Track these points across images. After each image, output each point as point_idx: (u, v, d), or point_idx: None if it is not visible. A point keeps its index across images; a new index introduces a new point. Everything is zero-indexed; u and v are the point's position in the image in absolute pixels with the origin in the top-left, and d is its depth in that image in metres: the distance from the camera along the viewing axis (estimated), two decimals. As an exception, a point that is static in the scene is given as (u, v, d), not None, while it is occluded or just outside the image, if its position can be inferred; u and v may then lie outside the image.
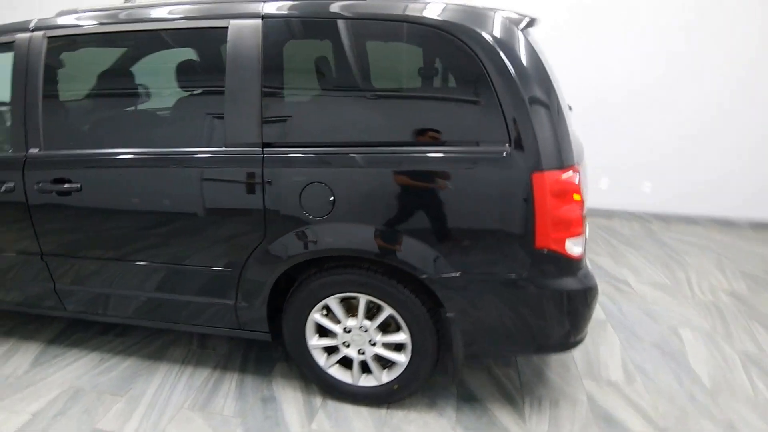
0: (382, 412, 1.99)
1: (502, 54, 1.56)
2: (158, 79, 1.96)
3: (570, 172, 1.60)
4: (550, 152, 1.57)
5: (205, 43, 1.81)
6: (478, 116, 1.60)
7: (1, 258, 2.11)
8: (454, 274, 1.71)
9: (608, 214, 4.58)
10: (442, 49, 1.62)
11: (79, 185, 1.89)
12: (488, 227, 1.65)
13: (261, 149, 1.73)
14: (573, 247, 1.66)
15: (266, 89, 1.71)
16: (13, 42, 1.91)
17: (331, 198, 1.70)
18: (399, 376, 1.95)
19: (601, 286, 3.13)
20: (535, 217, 1.60)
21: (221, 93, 1.74)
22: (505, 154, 1.58)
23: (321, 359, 2.02)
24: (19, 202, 1.98)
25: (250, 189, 1.75)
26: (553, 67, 2.09)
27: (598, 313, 2.80)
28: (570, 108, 2.45)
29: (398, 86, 1.69)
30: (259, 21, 1.71)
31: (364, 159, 1.67)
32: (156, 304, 2.04)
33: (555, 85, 1.67)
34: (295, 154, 1.71)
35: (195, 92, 1.92)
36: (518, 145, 1.57)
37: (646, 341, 2.52)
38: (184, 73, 1.90)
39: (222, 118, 1.75)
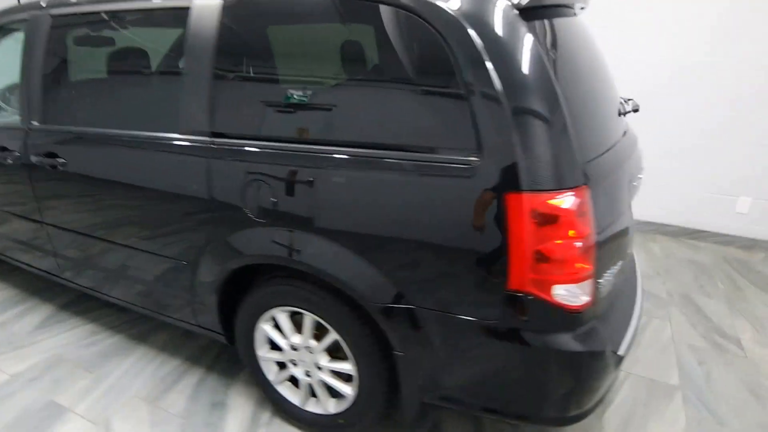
0: (328, 448, 1.69)
1: (476, 44, 1.17)
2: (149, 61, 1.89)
3: (569, 195, 1.15)
4: (538, 168, 1.15)
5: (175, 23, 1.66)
6: (440, 116, 1.23)
7: (20, 223, 2.26)
8: (401, 306, 1.36)
9: (749, 245, 3.51)
10: (403, 32, 1.26)
11: (64, 160, 1.93)
12: (446, 254, 1.27)
13: (210, 138, 1.56)
14: (568, 295, 1.21)
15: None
16: (27, 20, 2.01)
17: (272, 199, 1.47)
18: (345, 410, 1.64)
19: (695, 340, 2.35)
20: (509, 251, 1.19)
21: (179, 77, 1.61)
22: (468, 165, 1.20)
23: (271, 372, 1.79)
24: (23, 170, 2.08)
25: (196, 177, 1.59)
26: (595, 59, 1.57)
27: (669, 374, 2.09)
28: (635, 110, 1.85)
29: (342, 75, 1.36)
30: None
31: (292, 157, 1.42)
32: (131, 287, 2.00)
33: (567, 84, 1.26)
34: (242, 146, 1.51)
35: (162, 76, 1.80)
36: (490, 155, 1.17)
37: (729, 428, 1.79)
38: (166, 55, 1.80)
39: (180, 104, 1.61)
